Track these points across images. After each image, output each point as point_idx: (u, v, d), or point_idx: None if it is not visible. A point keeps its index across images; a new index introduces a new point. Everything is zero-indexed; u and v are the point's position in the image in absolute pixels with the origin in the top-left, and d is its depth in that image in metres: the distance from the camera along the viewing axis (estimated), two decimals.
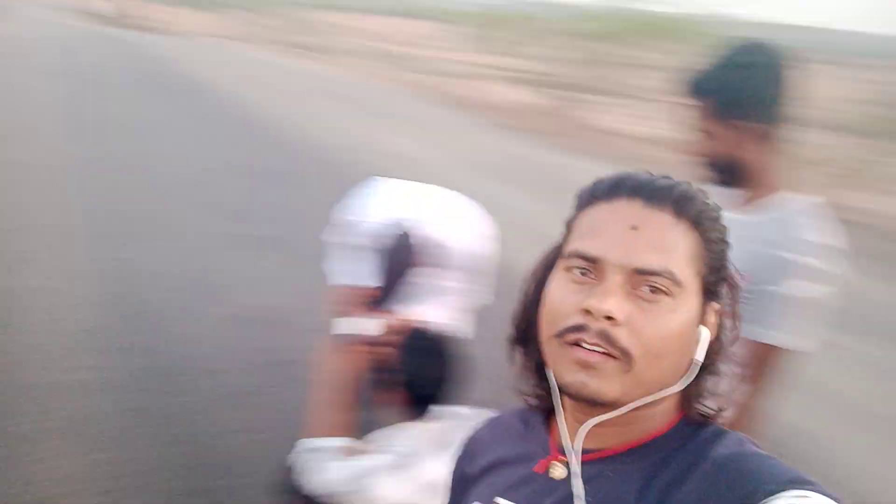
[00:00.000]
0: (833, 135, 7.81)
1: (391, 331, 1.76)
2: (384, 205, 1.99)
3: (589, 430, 0.68)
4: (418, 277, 1.94)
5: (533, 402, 0.79)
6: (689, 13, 11.68)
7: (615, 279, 0.63)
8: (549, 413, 0.78)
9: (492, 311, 2.25)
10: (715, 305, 0.70)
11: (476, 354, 1.98)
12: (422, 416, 1.61)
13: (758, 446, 0.66)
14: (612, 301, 0.62)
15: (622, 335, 0.62)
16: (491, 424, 0.87)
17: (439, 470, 1.07)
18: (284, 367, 3.04)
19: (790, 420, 2.76)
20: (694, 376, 0.68)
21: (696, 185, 0.70)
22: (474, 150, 8.82)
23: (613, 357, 0.62)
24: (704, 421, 0.70)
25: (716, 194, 1.38)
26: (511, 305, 0.78)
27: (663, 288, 0.63)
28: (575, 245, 0.68)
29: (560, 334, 0.65)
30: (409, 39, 21.86)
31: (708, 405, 0.70)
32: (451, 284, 2.14)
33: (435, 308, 2.11)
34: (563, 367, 0.65)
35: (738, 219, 1.36)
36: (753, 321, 1.25)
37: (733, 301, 0.72)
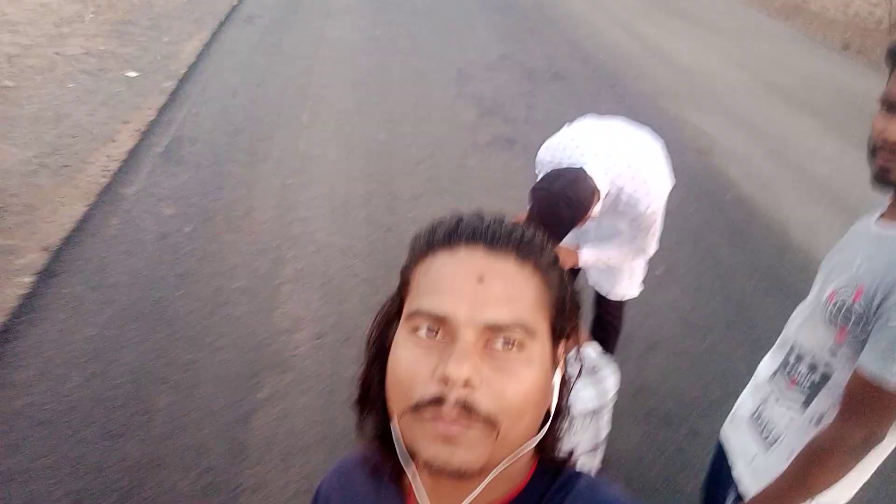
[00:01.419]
0: None
1: None
2: (564, 145, 1.94)
3: (450, 493, 0.64)
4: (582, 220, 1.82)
5: (382, 464, 0.72)
6: None
7: (467, 338, 0.59)
8: (400, 472, 0.71)
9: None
10: (561, 345, 0.67)
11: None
12: None
13: (610, 486, 0.67)
14: (468, 365, 0.57)
15: (483, 400, 0.58)
16: (339, 480, 0.81)
17: None
18: None
19: None
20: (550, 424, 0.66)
21: (529, 227, 0.67)
22: (782, 71, 7.17)
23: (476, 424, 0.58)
24: (558, 465, 0.69)
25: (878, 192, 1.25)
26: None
27: (517, 341, 0.60)
28: (419, 303, 0.62)
29: (416, 408, 0.59)
30: None
31: (560, 449, 0.69)
32: (614, 231, 2.17)
33: (590, 252, 2.15)
34: (422, 443, 0.59)
35: (880, 231, 1.23)
36: (865, 350, 1.14)
37: (576, 334, 0.69)
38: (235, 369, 2.79)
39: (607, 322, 2.58)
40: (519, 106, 5.73)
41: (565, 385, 0.68)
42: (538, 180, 1.85)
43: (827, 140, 5.35)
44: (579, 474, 0.69)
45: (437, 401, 0.57)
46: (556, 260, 0.67)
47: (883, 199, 1.30)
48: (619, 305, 2.54)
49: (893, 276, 1.10)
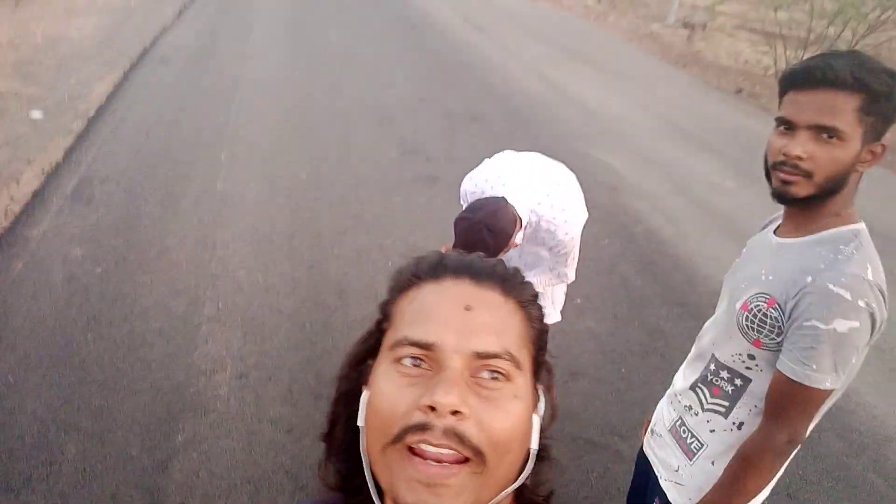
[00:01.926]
0: None
1: None
2: (486, 176, 2.05)
3: None
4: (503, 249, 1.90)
5: None
6: None
7: (455, 366, 0.56)
8: None
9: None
10: (540, 385, 0.66)
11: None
12: None
13: None
14: (457, 393, 0.54)
15: (471, 430, 0.54)
16: None
17: None
18: None
19: None
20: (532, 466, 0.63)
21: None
22: (683, 114, 7.64)
23: (463, 461, 0.54)
24: None
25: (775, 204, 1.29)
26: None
27: (504, 372, 0.58)
28: (404, 332, 0.59)
29: (399, 437, 0.55)
30: None
31: (540, 492, 0.66)
32: (537, 258, 2.27)
33: None
34: (402, 486, 0.54)
35: (781, 241, 1.31)
36: (783, 353, 1.22)
37: (549, 378, 0.68)
38: (152, 413, 2.67)
39: None
40: (439, 145, 5.84)
41: (543, 426, 0.66)
42: (462, 210, 1.92)
43: (727, 177, 5.72)
44: None
45: (422, 427, 0.54)
46: (535, 296, 0.68)
47: (776, 215, 1.43)
48: None
49: (802, 281, 1.19)
